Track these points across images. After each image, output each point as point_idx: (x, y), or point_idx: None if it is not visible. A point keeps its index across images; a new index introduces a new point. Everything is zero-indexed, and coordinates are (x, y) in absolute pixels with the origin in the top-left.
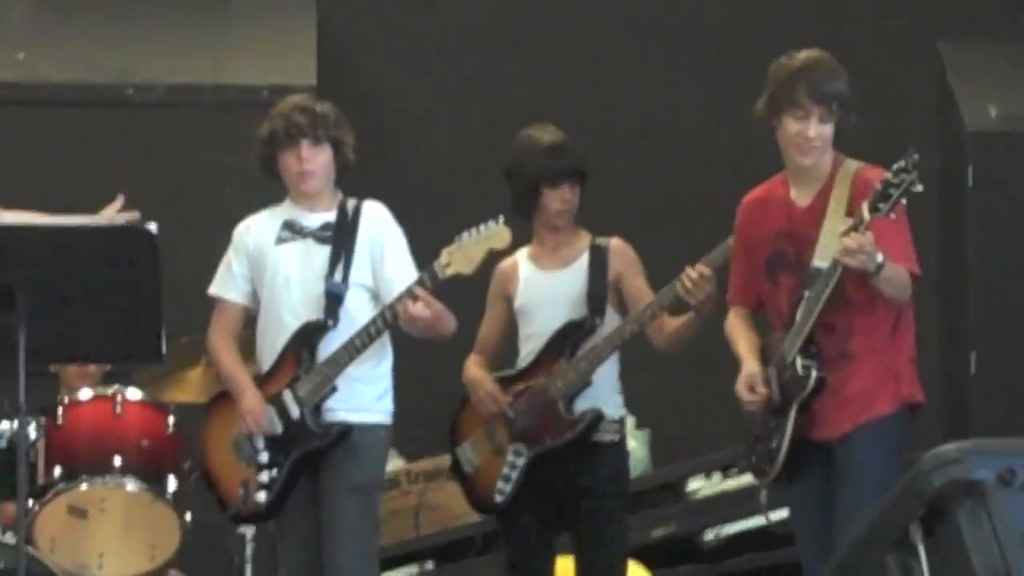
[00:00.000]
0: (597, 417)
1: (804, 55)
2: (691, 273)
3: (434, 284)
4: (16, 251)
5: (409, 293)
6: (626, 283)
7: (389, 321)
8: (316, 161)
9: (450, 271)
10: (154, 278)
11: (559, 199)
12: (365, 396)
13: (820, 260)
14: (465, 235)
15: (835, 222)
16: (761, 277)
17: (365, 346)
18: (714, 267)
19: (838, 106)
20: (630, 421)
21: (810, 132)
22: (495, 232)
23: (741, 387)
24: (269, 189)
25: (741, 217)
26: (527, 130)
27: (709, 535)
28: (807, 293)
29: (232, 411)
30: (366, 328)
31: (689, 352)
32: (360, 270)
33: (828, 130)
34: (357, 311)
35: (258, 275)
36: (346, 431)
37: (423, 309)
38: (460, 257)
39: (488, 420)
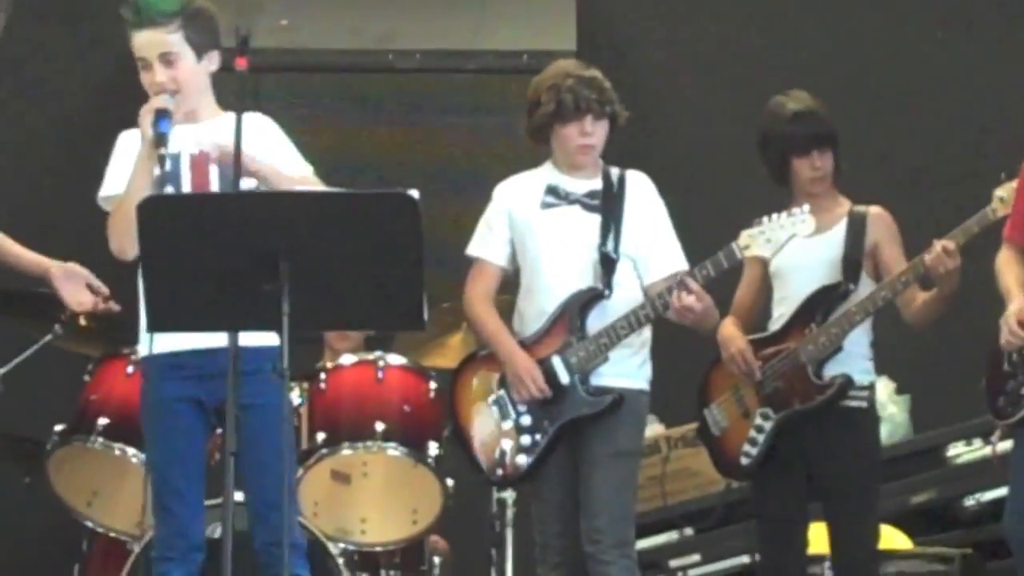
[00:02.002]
0: (846, 383)
1: None
2: (936, 247)
3: (729, 265)
4: (279, 219)
5: (683, 285)
6: (882, 252)
7: (660, 311)
8: (598, 135)
9: (748, 253)
10: (416, 244)
11: (809, 167)
12: (630, 363)
13: None
14: (766, 219)
15: None
16: None
17: (639, 326)
18: (966, 239)
19: None
20: (890, 387)
21: None
22: (801, 219)
23: (1011, 320)
24: (527, 153)
25: None
26: (777, 97)
27: (969, 501)
28: None
29: (488, 372)
30: (635, 312)
31: (949, 317)
32: (628, 240)
33: None
34: (626, 280)
35: (520, 238)
36: (618, 400)
37: (696, 302)
38: (761, 240)
39: (736, 382)
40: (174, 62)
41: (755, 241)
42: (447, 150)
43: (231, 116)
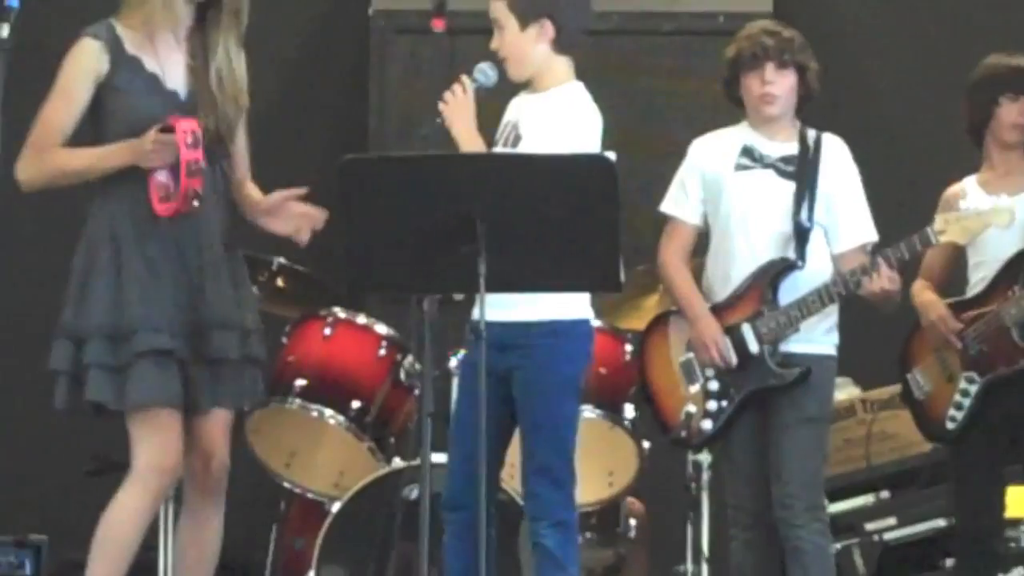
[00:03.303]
0: None
1: None
2: None
3: (922, 248)
4: (475, 181)
5: (877, 267)
6: None
7: (851, 289)
8: (780, 84)
9: (943, 239)
10: (612, 206)
11: (1017, 111)
12: (818, 328)
13: None
14: (962, 203)
15: None
16: None
17: (830, 302)
18: None
19: None
20: None
21: None
22: (1001, 208)
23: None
24: (723, 116)
25: None
26: (996, 54)
27: None
28: None
29: (677, 333)
30: (827, 288)
31: None
32: (821, 208)
33: None
34: (818, 249)
35: (713, 198)
36: (806, 373)
37: (889, 284)
38: (958, 228)
39: (939, 346)
40: (500, 29)
41: (951, 228)
42: (643, 112)
43: (568, 88)
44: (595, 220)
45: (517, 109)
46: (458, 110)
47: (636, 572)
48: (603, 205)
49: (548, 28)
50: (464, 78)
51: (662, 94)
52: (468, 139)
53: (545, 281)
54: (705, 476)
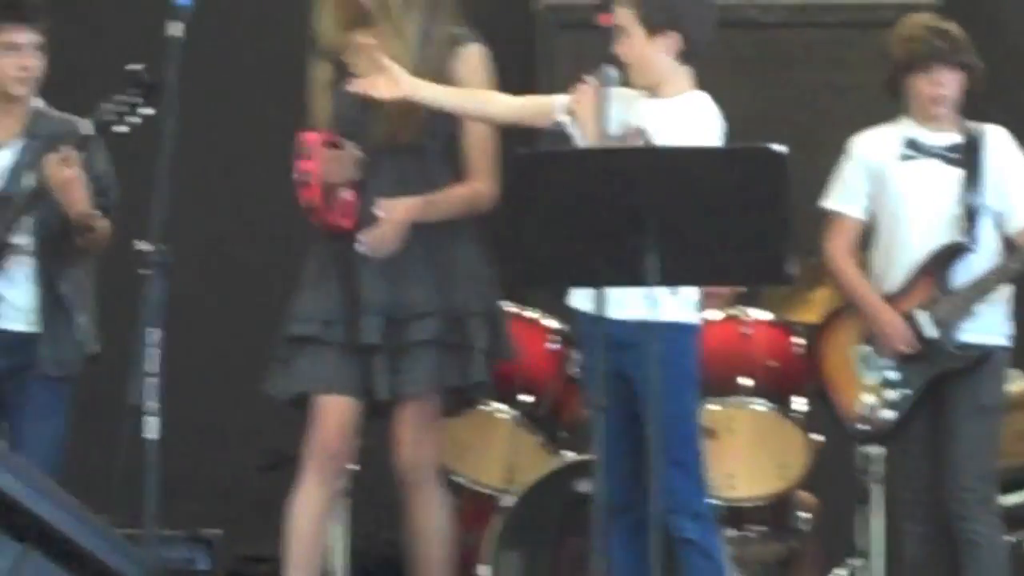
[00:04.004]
0: None
1: None
2: None
3: None
4: (644, 174)
5: None
6: None
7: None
8: (950, 86)
9: None
10: (783, 199)
11: None
12: (992, 318)
13: None
14: None
15: None
16: None
17: (1007, 281)
18: None
19: None
20: None
21: None
22: None
23: None
24: (886, 107)
25: None
26: None
27: None
28: None
29: (850, 327)
30: (1005, 267)
31: None
32: (991, 193)
33: None
34: (989, 234)
35: (878, 191)
36: (986, 355)
37: None
38: None
39: None
40: (627, 37)
41: None
42: (806, 104)
43: (697, 96)
44: (764, 213)
45: (641, 114)
46: (587, 110)
47: (808, 566)
48: (773, 197)
49: (675, 39)
50: (590, 79)
51: (830, 85)
52: (596, 137)
53: (714, 274)
54: (876, 469)
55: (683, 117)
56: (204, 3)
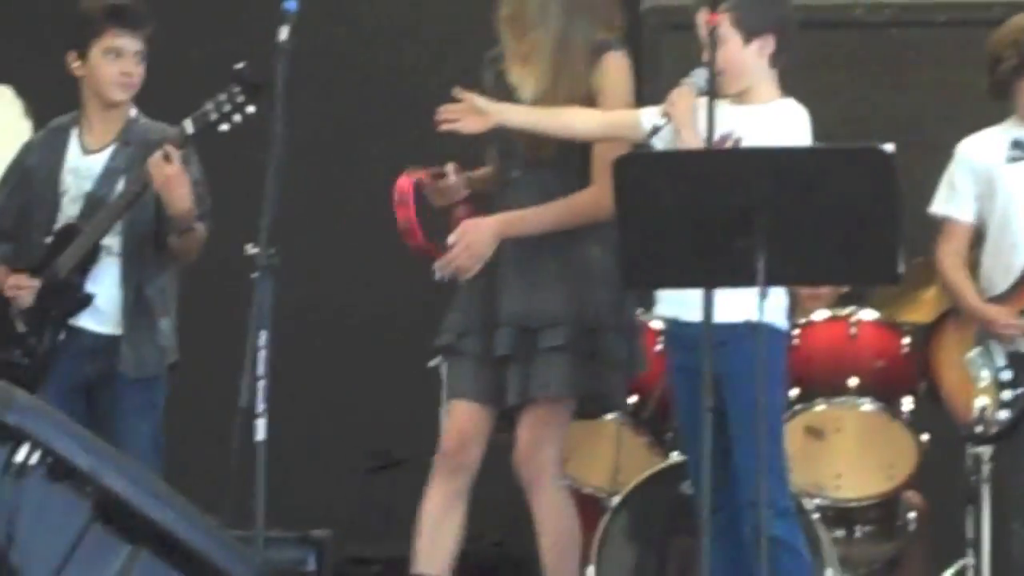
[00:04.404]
0: None
1: None
2: None
3: None
4: (754, 175)
5: None
6: None
7: None
8: None
9: None
10: (891, 199)
11: None
12: None
13: None
14: None
15: None
16: None
17: None
18: None
19: None
20: None
21: None
22: None
23: None
24: (995, 106)
25: None
26: None
27: None
28: None
29: (964, 327)
30: None
31: None
32: None
33: None
34: None
35: (986, 193)
36: None
37: None
38: None
39: None
40: (721, 43)
41: None
42: (919, 103)
43: (790, 102)
44: (873, 212)
45: (730, 120)
46: (684, 112)
47: (915, 566)
48: (881, 197)
49: (770, 43)
50: (684, 82)
51: (939, 85)
52: (693, 140)
53: (822, 274)
54: (985, 469)
55: (775, 123)
56: (319, 8)
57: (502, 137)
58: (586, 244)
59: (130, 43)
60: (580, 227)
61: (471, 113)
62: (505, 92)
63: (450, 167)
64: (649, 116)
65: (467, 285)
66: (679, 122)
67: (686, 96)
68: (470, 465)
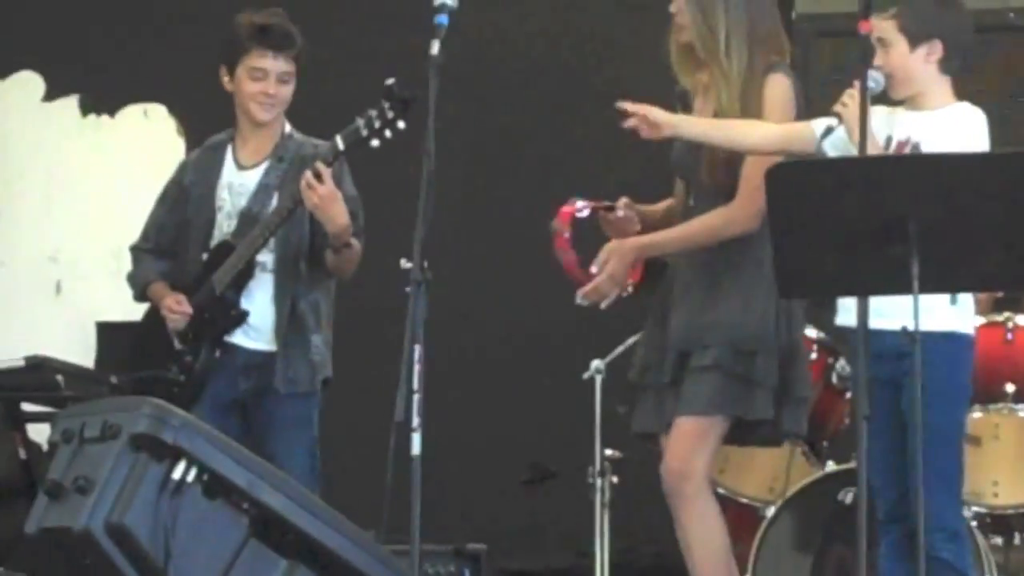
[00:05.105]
0: None
1: None
2: None
3: None
4: (908, 182)
5: None
6: None
7: None
8: None
9: None
10: None
11: None
12: None
13: None
14: None
15: None
16: None
17: None
18: None
19: None
20: None
21: None
22: None
23: None
24: None
25: None
26: None
27: None
28: None
29: None
30: None
31: None
32: None
33: None
34: None
35: None
36: None
37: None
38: None
39: None
40: (887, 47)
41: None
42: None
43: (966, 107)
44: None
45: (906, 126)
46: (856, 113)
47: None
48: None
49: (938, 48)
50: (858, 83)
51: None
52: (866, 143)
53: (978, 281)
54: None
55: (954, 128)
56: (469, 20)
57: (683, 163)
58: (759, 265)
59: (273, 64)
60: (734, 245)
61: (645, 123)
62: None
63: (621, 201)
64: (820, 124)
65: (649, 318)
66: (850, 123)
67: (857, 97)
68: (699, 483)
